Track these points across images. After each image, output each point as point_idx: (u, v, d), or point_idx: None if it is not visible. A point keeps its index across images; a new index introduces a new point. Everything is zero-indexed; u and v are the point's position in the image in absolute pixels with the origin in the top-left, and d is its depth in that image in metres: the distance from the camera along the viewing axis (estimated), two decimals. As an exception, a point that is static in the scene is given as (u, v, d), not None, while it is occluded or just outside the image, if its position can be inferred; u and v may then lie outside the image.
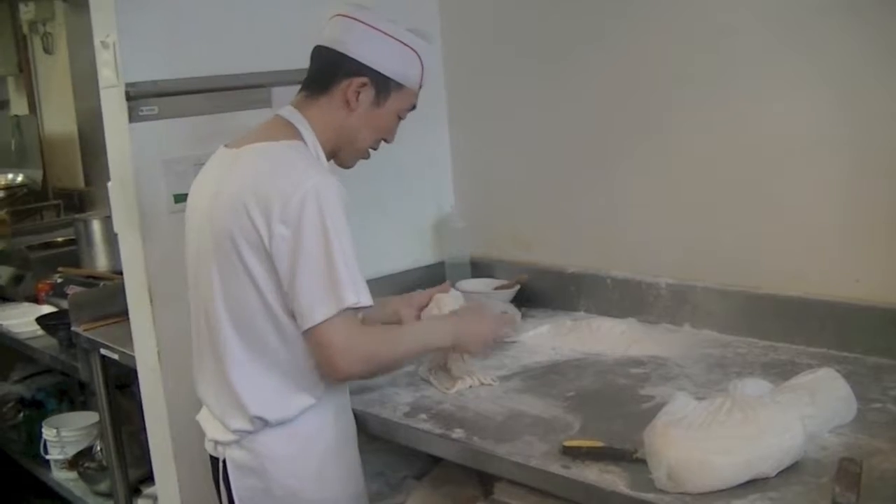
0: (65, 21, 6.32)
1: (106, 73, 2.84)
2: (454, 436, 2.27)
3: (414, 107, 2.42)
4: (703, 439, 1.83)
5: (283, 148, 2.21)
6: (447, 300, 2.64)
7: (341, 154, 2.37)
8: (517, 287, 3.33)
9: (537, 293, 3.32)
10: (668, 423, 1.90)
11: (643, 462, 1.91)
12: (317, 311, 2.10)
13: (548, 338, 2.92)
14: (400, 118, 2.40)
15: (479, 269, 3.54)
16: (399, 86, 2.32)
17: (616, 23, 3.00)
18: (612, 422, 2.24)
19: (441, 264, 3.60)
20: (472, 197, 3.60)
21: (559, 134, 3.24)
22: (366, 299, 2.13)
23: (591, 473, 1.95)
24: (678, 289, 2.92)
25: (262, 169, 2.16)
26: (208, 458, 2.38)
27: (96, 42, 2.85)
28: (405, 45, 2.31)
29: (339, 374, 2.18)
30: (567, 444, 2.06)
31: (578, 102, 3.16)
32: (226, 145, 2.32)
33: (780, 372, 2.41)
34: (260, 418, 2.21)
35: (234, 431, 2.24)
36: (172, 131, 2.84)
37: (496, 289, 3.35)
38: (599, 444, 2.04)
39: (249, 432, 2.23)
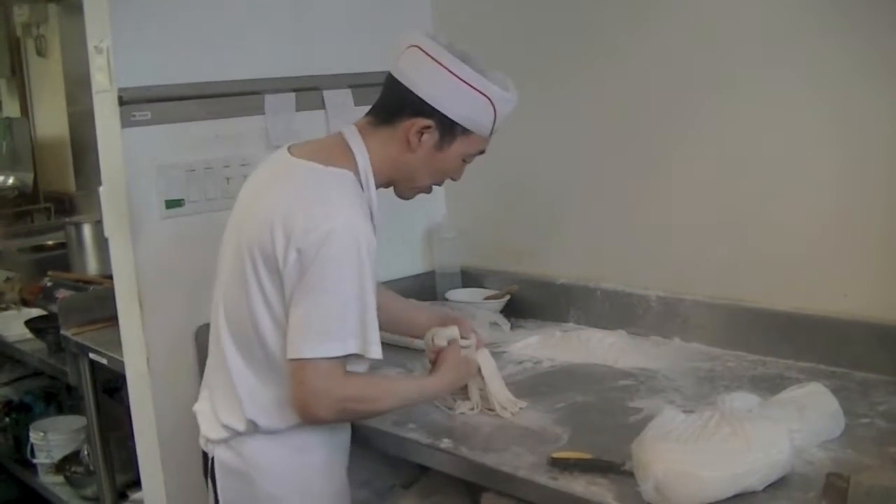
0: (58, 24, 6.31)
1: (99, 78, 2.84)
2: (442, 445, 2.27)
3: (482, 152, 2.33)
4: (691, 453, 1.83)
5: (327, 176, 2.16)
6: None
7: (398, 187, 2.33)
8: (507, 297, 3.33)
9: (527, 304, 3.32)
10: (656, 436, 1.90)
11: (631, 475, 1.91)
12: (301, 347, 2.06)
13: (537, 349, 2.92)
14: (465, 162, 2.32)
15: (469, 279, 3.54)
16: (466, 131, 2.23)
17: (613, 37, 3.00)
18: (601, 434, 2.24)
19: (431, 274, 3.60)
20: (463, 207, 3.60)
21: (551, 145, 3.24)
22: (359, 348, 2.09)
23: (579, 485, 1.95)
24: (668, 301, 2.92)
25: (299, 192, 2.14)
26: (199, 459, 2.37)
27: (90, 47, 2.85)
28: (478, 91, 2.19)
29: (307, 417, 2.13)
30: (555, 455, 2.07)
31: (571, 116, 3.16)
32: (288, 148, 2.27)
33: (769, 386, 2.42)
34: (252, 422, 2.20)
35: (224, 427, 2.23)
36: (165, 137, 2.84)
37: (486, 299, 3.35)
38: (587, 456, 2.04)
39: (239, 433, 2.22)
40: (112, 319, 3.14)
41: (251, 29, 3.00)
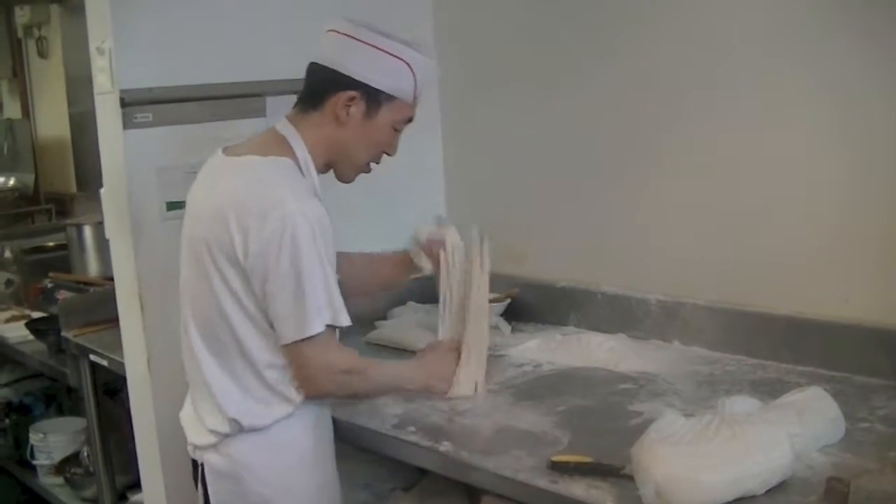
0: (59, 25, 6.32)
1: (101, 80, 2.84)
2: (442, 448, 2.27)
3: (411, 119, 2.40)
4: (691, 456, 1.83)
5: (269, 165, 2.23)
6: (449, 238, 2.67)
7: (337, 168, 2.39)
8: (508, 300, 3.32)
9: (528, 307, 3.32)
10: (656, 439, 1.90)
11: (631, 478, 1.91)
12: (287, 333, 2.17)
13: (537, 352, 2.92)
14: (396, 130, 2.38)
15: (470, 281, 3.53)
16: (391, 98, 2.31)
17: (613, 37, 3.00)
18: (601, 437, 2.24)
19: (432, 276, 3.59)
20: (464, 210, 3.60)
21: (552, 148, 3.24)
22: (331, 319, 2.19)
23: (579, 489, 1.95)
24: (668, 305, 2.92)
25: (246, 185, 2.20)
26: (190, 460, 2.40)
27: (92, 48, 2.85)
28: (395, 56, 2.29)
29: (315, 391, 2.25)
30: (555, 459, 2.06)
31: (572, 118, 3.16)
32: (223, 150, 2.34)
33: (769, 390, 2.42)
34: (235, 421, 2.23)
35: (211, 431, 2.26)
36: (166, 139, 2.84)
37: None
38: (587, 459, 2.04)
39: (225, 435, 2.25)
40: (113, 321, 3.14)
41: (253, 31, 3.00)
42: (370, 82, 2.28)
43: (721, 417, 1.95)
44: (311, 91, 2.34)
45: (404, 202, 3.50)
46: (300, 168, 2.28)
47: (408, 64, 2.30)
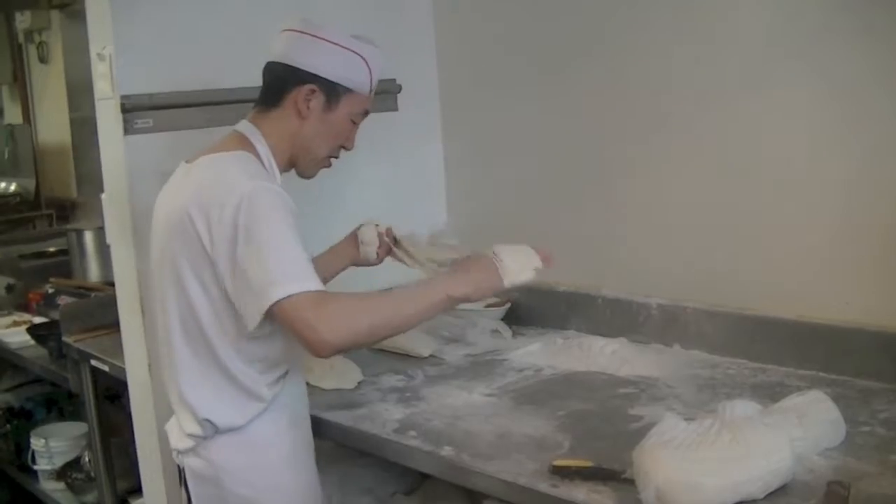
0: (60, 30, 6.33)
1: (101, 86, 2.84)
2: (443, 453, 2.26)
3: (367, 112, 2.45)
4: (692, 460, 1.83)
5: (228, 158, 2.25)
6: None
7: (299, 163, 2.41)
8: (508, 305, 3.33)
9: (528, 311, 3.32)
10: (656, 443, 1.90)
11: (632, 482, 1.90)
12: (273, 291, 2.04)
13: (538, 356, 2.92)
14: (354, 123, 2.43)
15: (470, 285, 3.53)
16: (348, 90, 2.36)
17: (613, 40, 3.01)
18: (602, 441, 2.24)
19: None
20: (464, 213, 3.60)
21: (553, 152, 3.25)
22: (306, 278, 2.07)
23: (580, 493, 1.95)
24: (669, 309, 2.92)
25: (205, 180, 2.21)
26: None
27: (92, 54, 2.86)
28: (350, 50, 2.34)
29: (323, 347, 2.05)
30: (556, 463, 2.06)
31: (573, 121, 3.17)
32: (185, 161, 2.35)
33: (770, 394, 2.42)
34: (209, 421, 2.24)
35: (189, 436, 2.28)
36: (167, 144, 2.84)
37: (487, 306, 3.34)
38: (588, 463, 2.04)
39: (203, 438, 2.27)
40: (114, 326, 3.15)
41: (253, 36, 2.97)
42: (329, 76, 2.33)
43: (722, 421, 1.94)
44: (270, 89, 2.38)
45: (404, 207, 3.50)
46: (262, 163, 2.30)
47: (363, 57, 2.36)
